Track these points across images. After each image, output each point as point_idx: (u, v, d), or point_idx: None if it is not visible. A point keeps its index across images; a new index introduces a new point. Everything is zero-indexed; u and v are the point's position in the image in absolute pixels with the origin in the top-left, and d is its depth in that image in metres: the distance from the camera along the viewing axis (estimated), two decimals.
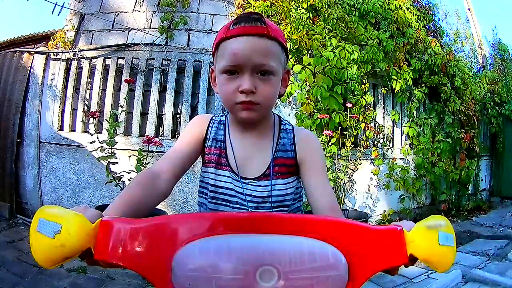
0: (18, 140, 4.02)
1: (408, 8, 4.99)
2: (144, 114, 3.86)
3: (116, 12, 4.21)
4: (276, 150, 0.92)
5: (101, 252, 0.53)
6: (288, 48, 3.56)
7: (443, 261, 0.57)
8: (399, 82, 4.32)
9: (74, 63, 3.99)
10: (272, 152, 0.92)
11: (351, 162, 3.88)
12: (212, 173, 0.93)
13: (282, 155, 0.92)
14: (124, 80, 3.63)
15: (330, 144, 3.51)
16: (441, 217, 0.61)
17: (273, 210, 0.91)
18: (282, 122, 0.97)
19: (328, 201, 0.85)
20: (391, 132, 4.72)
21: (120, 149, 3.31)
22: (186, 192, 3.63)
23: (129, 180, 2.86)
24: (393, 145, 4.71)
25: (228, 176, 0.92)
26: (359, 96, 3.93)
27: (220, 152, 0.93)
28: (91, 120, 3.45)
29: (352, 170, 3.98)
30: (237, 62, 0.80)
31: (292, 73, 3.58)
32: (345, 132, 3.75)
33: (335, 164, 3.64)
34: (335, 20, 3.92)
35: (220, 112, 3.71)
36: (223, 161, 0.92)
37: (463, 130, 5.31)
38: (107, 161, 2.81)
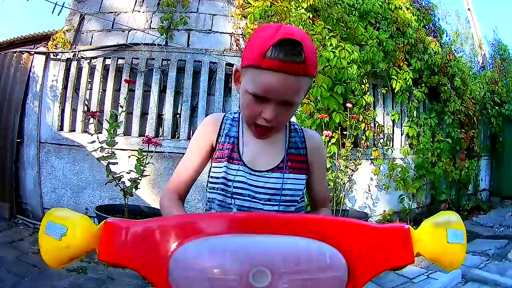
0: (18, 140, 4.01)
1: (408, 8, 4.99)
2: (144, 114, 3.85)
3: (115, 12, 4.21)
4: (289, 147, 0.97)
5: (105, 252, 0.54)
6: None
7: (452, 259, 0.55)
8: (399, 82, 4.32)
9: (74, 63, 3.99)
10: (285, 148, 0.96)
11: (351, 162, 3.88)
12: (224, 166, 0.95)
13: (294, 152, 0.97)
14: (124, 80, 3.63)
15: (330, 144, 3.51)
16: (451, 212, 0.59)
17: (284, 203, 0.93)
18: (291, 123, 1.02)
19: (321, 194, 1.06)
20: (391, 132, 4.72)
21: (120, 149, 3.31)
22: None
23: (129, 180, 2.86)
24: (393, 145, 4.71)
25: (240, 170, 0.94)
26: (359, 96, 3.93)
27: (232, 147, 0.95)
28: (91, 120, 3.45)
29: (352, 170, 3.98)
30: (267, 94, 0.80)
31: None
32: (345, 132, 3.75)
33: (335, 164, 3.64)
34: (335, 20, 3.92)
35: (220, 112, 3.73)
36: (235, 155, 0.95)
37: (463, 130, 5.31)
38: (107, 161, 2.81)
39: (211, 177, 0.99)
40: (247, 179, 0.93)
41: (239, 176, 0.93)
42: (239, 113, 1.00)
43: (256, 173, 0.93)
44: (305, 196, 1.04)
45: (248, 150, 0.95)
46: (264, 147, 0.95)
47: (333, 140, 3.53)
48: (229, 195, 0.94)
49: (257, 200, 0.92)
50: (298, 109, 3.64)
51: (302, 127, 1.03)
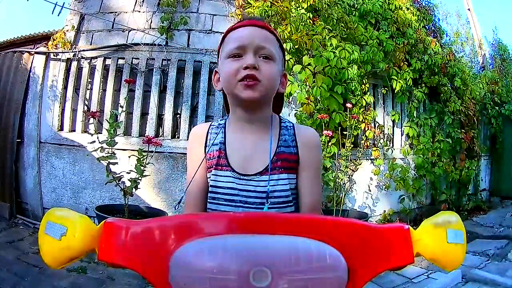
0: (18, 140, 4.01)
1: (408, 8, 4.99)
2: (144, 114, 3.85)
3: (116, 12, 4.21)
4: (278, 146, 0.93)
5: (104, 253, 0.54)
6: (288, 49, 3.55)
7: (451, 260, 0.56)
8: (399, 82, 4.32)
9: (74, 63, 3.99)
10: (275, 147, 0.92)
11: (351, 162, 3.88)
12: (213, 175, 0.93)
13: (284, 151, 0.93)
14: (124, 80, 3.62)
15: (330, 144, 3.51)
16: (451, 212, 0.59)
17: (279, 205, 0.90)
18: (282, 120, 0.99)
19: (310, 201, 0.92)
20: (391, 132, 4.72)
21: (120, 149, 3.31)
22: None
23: (129, 180, 2.86)
24: (393, 145, 4.71)
25: (229, 176, 0.92)
26: (359, 96, 3.93)
27: (219, 153, 0.93)
28: (91, 120, 3.45)
29: (352, 170, 3.98)
30: (242, 43, 0.88)
31: (292, 73, 3.59)
32: (345, 132, 3.75)
33: (335, 164, 3.64)
34: (335, 20, 3.92)
35: (220, 113, 3.73)
36: (222, 162, 0.93)
37: (463, 130, 5.31)
38: (107, 161, 2.80)
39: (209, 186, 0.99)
40: (237, 184, 0.91)
41: (229, 183, 0.91)
42: (226, 119, 0.99)
43: (246, 177, 0.90)
44: None
45: (236, 154, 0.92)
46: (252, 149, 0.92)
47: (333, 140, 3.53)
48: (221, 202, 0.92)
49: (250, 205, 0.89)
50: (298, 109, 3.65)
51: (295, 123, 0.99)
